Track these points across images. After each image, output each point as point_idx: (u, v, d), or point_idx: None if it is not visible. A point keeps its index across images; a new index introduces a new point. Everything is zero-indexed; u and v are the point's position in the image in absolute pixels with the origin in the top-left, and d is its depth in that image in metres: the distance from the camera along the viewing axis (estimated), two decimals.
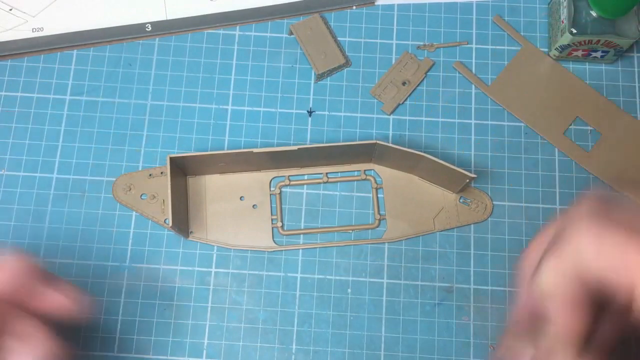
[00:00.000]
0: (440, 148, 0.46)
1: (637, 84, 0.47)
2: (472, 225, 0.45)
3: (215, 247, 0.44)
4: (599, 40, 0.44)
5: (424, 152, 0.41)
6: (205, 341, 0.43)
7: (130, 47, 0.48)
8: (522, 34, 0.48)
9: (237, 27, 0.49)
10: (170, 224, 0.40)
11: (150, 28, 0.48)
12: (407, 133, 0.47)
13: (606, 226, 0.23)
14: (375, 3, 0.49)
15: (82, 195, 0.45)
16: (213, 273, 0.44)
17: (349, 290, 0.44)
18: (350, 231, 0.45)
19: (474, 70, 0.48)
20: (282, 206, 0.45)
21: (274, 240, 0.44)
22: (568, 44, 0.45)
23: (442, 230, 0.45)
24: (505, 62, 0.48)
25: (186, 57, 0.48)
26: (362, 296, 0.44)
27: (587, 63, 0.48)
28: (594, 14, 0.43)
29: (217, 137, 0.46)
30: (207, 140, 0.46)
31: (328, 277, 0.44)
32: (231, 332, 0.43)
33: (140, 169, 0.46)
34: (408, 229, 0.45)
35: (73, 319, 0.29)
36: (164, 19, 0.48)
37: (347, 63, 0.48)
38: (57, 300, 0.29)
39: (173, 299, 0.44)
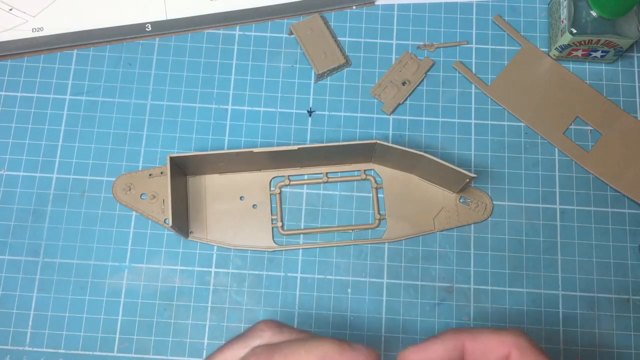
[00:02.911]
0: (440, 148, 0.46)
1: (637, 84, 0.47)
2: (472, 225, 0.45)
3: (215, 247, 0.44)
4: (599, 40, 0.44)
5: (424, 152, 0.41)
6: (205, 341, 0.43)
7: (130, 47, 0.48)
8: (522, 33, 0.48)
9: (237, 27, 0.49)
10: (170, 224, 0.40)
11: (150, 28, 0.48)
12: (407, 133, 0.47)
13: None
14: (375, 3, 0.49)
15: (82, 195, 0.45)
16: (213, 273, 0.44)
17: (349, 290, 0.44)
18: (350, 231, 0.45)
19: (474, 70, 0.48)
20: (282, 206, 0.45)
21: (274, 240, 0.44)
22: (568, 44, 0.45)
23: (442, 230, 0.45)
24: (505, 62, 0.48)
25: (186, 57, 0.48)
26: (362, 296, 0.44)
27: (587, 63, 0.48)
28: (594, 14, 0.43)
29: (217, 137, 0.46)
30: (207, 140, 0.46)
31: (328, 277, 0.44)
32: (231, 332, 0.43)
33: (140, 168, 0.46)
34: (408, 228, 0.45)
35: None
36: (164, 19, 0.48)
37: (347, 63, 0.48)
38: None
39: (173, 299, 0.44)
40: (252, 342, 0.30)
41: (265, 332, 0.31)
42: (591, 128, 0.47)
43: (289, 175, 0.46)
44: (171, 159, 0.41)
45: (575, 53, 0.46)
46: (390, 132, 0.47)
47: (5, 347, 0.43)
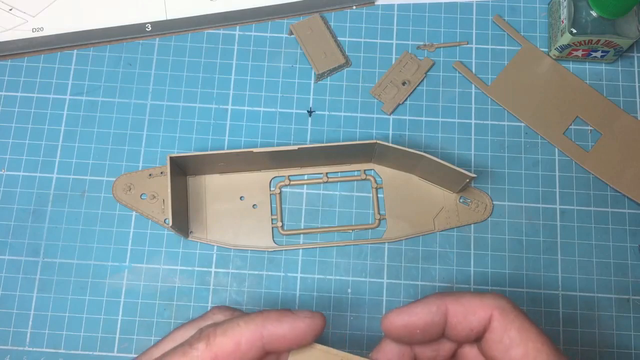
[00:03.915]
0: (440, 148, 0.46)
1: (637, 84, 0.47)
2: (472, 225, 0.45)
3: (215, 247, 0.44)
4: (599, 40, 0.44)
5: (424, 152, 0.41)
6: None
7: (130, 47, 0.48)
8: (522, 34, 0.48)
9: (237, 27, 0.49)
10: (170, 224, 0.40)
11: (150, 28, 0.48)
12: (407, 133, 0.47)
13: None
14: (375, 3, 0.49)
15: (82, 195, 0.45)
16: (213, 273, 0.44)
17: (349, 290, 0.44)
18: (350, 231, 0.45)
19: (474, 70, 0.48)
20: (282, 206, 0.45)
21: (274, 240, 0.44)
22: (568, 44, 0.45)
23: (442, 230, 0.45)
24: (505, 62, 0.48)
25: (186, 57, 0.48)
26: (362, 296, 0.44)
27: (587, 63, 0.48)
28: (594, 14, 0.43)
29: (217, 137, 0.46)
30: (207, 140, 0.46)
31: (328, 277, 0.44)
32: None
33: (140, 169, 0.46)
34: (408, 229, 0.45)
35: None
36: (164, 19, 0.48)
37: (347, 63, 0.48)
38: (297, 333, 0.29)
39: (173, 299, 0.44)
40: (203, 324, 0.30)
41: (217, 315, 0.31)
42: (591, 128, 0.47)
43: (289, 175, 0.46)
44: (171, 159, 0.41)
45: (575, 53, 0.46)
46: (390, 132, 0.47)
47: (5, 347, 0.43)
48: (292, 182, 0.45)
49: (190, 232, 0.44)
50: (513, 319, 0.28)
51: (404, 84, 0.47)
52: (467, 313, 0.29)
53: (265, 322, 0.28)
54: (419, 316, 0.29)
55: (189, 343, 0.28)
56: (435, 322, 0.29)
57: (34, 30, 0.48)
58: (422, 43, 0.48)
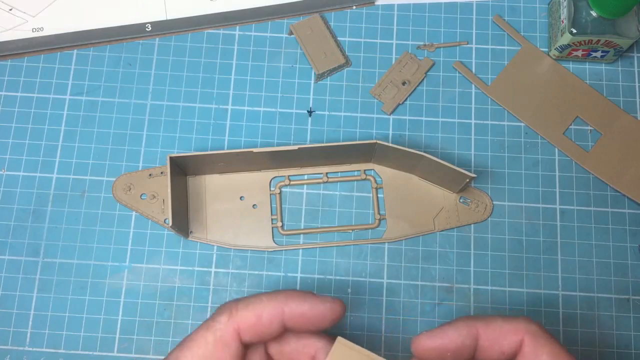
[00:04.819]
0: (440, 148, 0.46)
1: (637, 84, 0.47)
2: (472, 225, 0.45)
3: (215, 247, 0.44)
4: (599, 40, 0.44)
5: (424, 152, 0.41)
6: None
7: (130, 47, 0.48)
8: (522, 33, 0.48)
9: (237, 27, 0.49)
10: (170, 224, 0.40)
11: (150, 28, 0.48)
12: (407, 133, 0.47)
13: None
14: (375, 3, 0.49)
15: (82, 195, 0.45)
16: (213, 273, 0.44)
17: (349, 290, 0.44)
18: (350, 231, 0.45)
19: (474, 70, 0.48)
20: (282, 206, 0.45)
21: (274, 240, 0.44)
22: (568, 44, 0.45)
23: (442, 230, 0.45)
24: (505, 62, 0.48)
25: (186, 57, 0.48)
26: (362, 296, 0.44)
27: (587, 63, 0.48)
28: (594, 14, 0.43)
29: (217, 137, 0.46)
30: (207, 140, 0.46)
31: (328, 277, 0.44)
32: None
33: (140, 168, 0.46)
34: (408, 229, 0.45)
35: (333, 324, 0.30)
36: (164, 19, 0.48)
37: (347, 63, 0.48)
38: (317, 314, 0.29)
39: (173, 299, 0.44)
40: None
41: None
42: (591, 128, 0.47)
43: (289, 175, 0.46)
44: (171, 159, 0.41)
45: (575, 53, 0.46)
46: (390, 132, 0.47)
47: (5, 347, 0.43)
48: (292, 182, 0.45)
49: (190, 232, 0.44)
50: (544, 344, 0.28)
51: (404, 84, 0.47)
52: (498, 338, 0.29)
53: (288, 299, 0.29)
54: (451, 339, 0.29)
55: (212, 318, 0.29)
56: (467, 345, 0.29)
57: (34, 30, 0.48)
58: (422, 43, 0.48)
